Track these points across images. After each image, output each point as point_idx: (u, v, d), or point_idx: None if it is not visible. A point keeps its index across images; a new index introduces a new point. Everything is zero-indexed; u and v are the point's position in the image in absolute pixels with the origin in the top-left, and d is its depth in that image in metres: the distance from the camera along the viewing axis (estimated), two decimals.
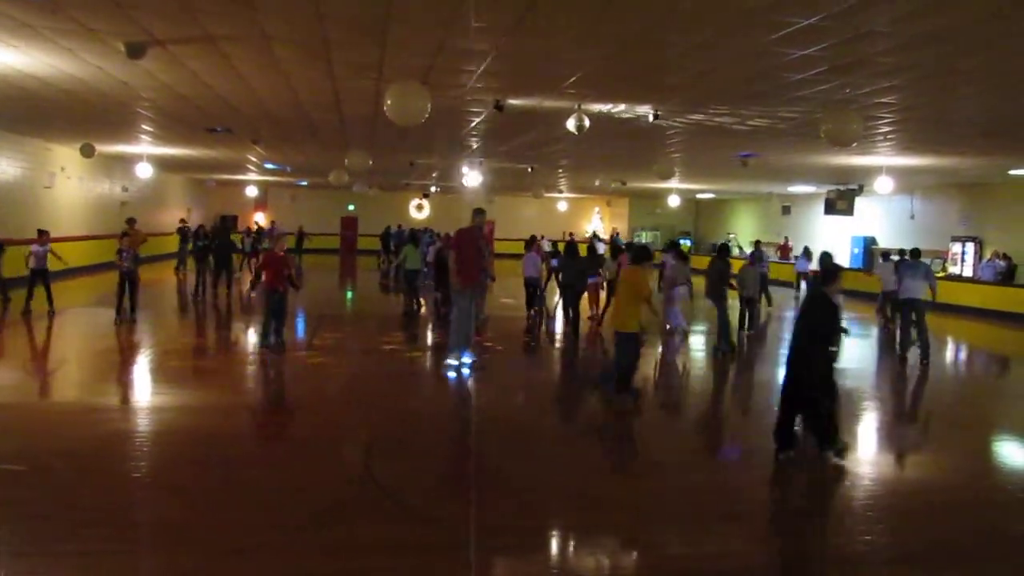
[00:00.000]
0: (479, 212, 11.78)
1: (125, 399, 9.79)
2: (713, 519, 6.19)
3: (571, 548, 5.67)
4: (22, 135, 20.09)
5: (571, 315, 15.77)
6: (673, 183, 28.54)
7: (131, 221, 19.82)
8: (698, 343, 15.40)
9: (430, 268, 20.37)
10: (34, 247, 15.81)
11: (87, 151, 19.51)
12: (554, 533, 5.94)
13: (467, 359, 11.55)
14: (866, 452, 8.70)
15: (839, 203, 25.88)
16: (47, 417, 8.74)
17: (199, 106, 13.55)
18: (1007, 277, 22.57)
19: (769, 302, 21.15)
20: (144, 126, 17.02)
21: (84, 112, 14.68)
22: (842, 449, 7.55)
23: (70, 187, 23.52)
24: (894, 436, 9.43)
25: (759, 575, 5.21)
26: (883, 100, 10.63)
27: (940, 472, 7.87)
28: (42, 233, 16.18)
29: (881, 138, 14.34)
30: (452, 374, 11.28)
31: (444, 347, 12.64)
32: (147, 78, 11.12)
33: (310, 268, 30.19)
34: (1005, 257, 23.05)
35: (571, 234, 31.45)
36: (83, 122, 16.48)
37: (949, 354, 16.77)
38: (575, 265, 16.22)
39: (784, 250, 32.43)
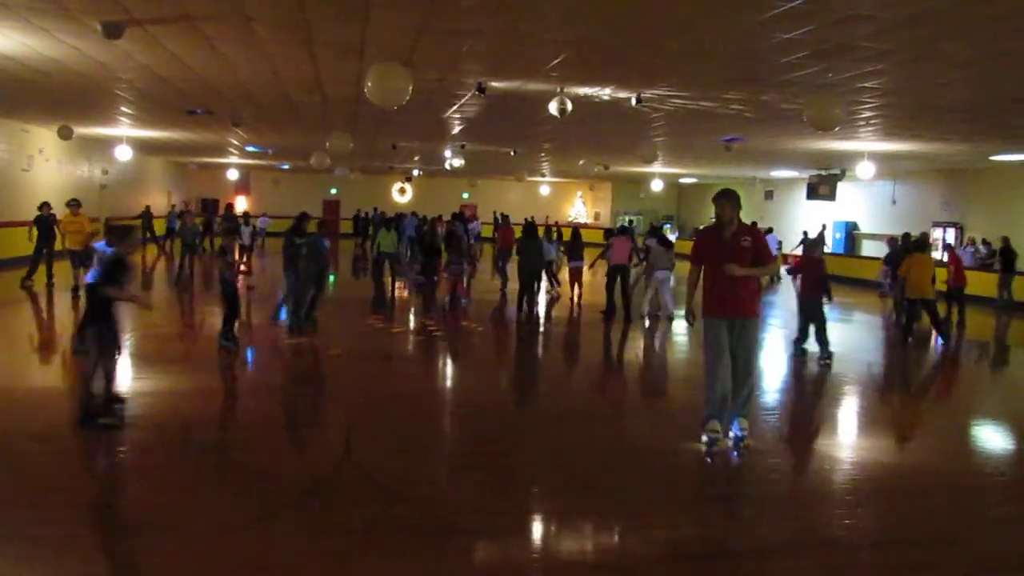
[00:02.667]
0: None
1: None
2: (695, 502, 6.20)
3: (553, 530, 5.66)
4: None
5: (527, 303, 15.85)
6: (656, 167, 28.52)
7: (74, 205, 16.15)
8: (681, 328, 15.42)
9: (406, 251, 20.45)
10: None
11: (65, 133, 19.30)
12: (537, 515, 5.93)
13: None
14: (847, 436, 8.75)
15: (821, 188, 25.95)
16: (20, 401, 8.64)
17: (179, 88, 13.39)
18: (1005, 265, 22.59)
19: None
20: (123, 108, 16.82)
21: (61, 93, 14.49)
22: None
23: (48, 170, 23.26)
24: (875, 419, 9.48)
25: (738, 558, 5.21)
26: (866, 84, 10.62)
27: (921, 455, 7.92)
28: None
29: (864, 123, 14.35)
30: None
31: (424, 331, 12.62)
32: (125, 59, 10.97)
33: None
34: (985, 243, 23.16)
35: (531, 217, 30.76)
36: (60, 104, 16.27)
37: (931, 340, 16.85)
38: (533, 247, 16.29)
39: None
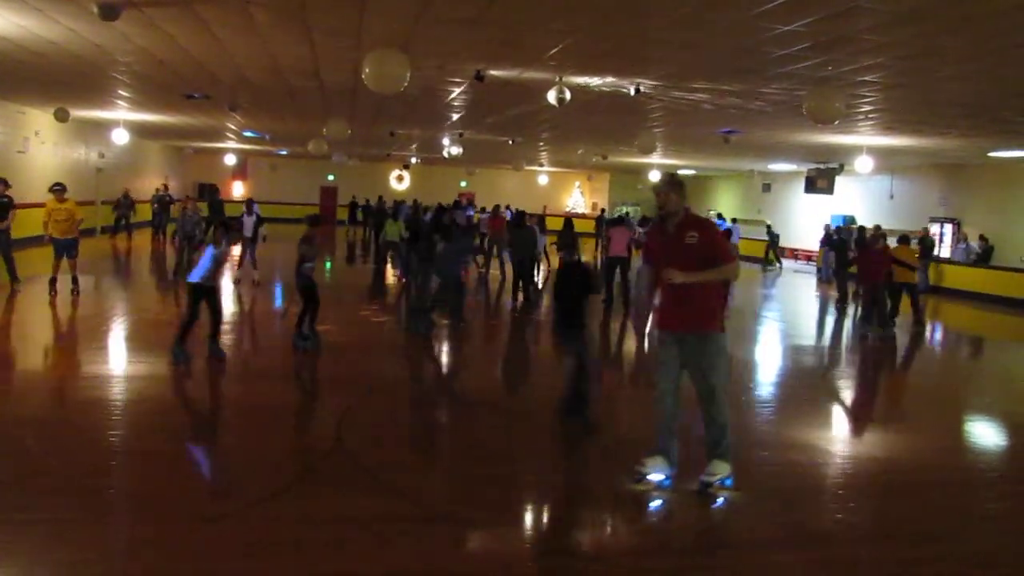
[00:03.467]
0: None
1: (94, 368, 9.66)
2: (689, 496, 6.19)
3: (546, 519, 5.66)
4: None
5: (521, 291, 15.88)
6: (654, 159, 28.47)
7: (58, 190, 14.09)
8: None
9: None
10: None
11: (61, 116, 19.21)
12: (529, 504, 5.92)
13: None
14: (839, 430, 8.75)
15: (819, 181, 25.93)
16: (11, 386, 8.61)
17: (176, 71, 13.33)
18: (982, 259, 22.70)
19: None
20: (120, 91, 16.74)
21: (58, 76, 14.42)
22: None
23: (44, 152, 23.15)
24: (868, 414, 9.49)
25: (729, 551, 5.21)
26: (866, 78, 10.60)
27: (913, 451, 7.92)
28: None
29: (863, 117, 14.33)
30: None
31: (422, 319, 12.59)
32: (122, 41, 10.91)
33: (293, 239, 29.98)
34: (982, 239, 23.16)
35: (509, 207, 30.59)
36: (57, 86, 16.18)
37: (924, 335, 16.89)
38: (524, 236, 16.38)
39: None
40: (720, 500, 5.91)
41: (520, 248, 16.27)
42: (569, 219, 17.97)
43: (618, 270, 15.63)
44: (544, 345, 12.92)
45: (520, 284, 16.07)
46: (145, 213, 29.69)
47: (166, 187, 30.57)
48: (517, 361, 11.90)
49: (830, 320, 17.43)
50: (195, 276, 9.40)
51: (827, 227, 26.80)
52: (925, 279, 21.63)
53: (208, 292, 9.49)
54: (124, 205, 27.46)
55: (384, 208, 29.57)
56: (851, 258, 17.30)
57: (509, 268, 18.01)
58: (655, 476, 5.99)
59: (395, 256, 18.99)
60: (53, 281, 13.72)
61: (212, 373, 9.46)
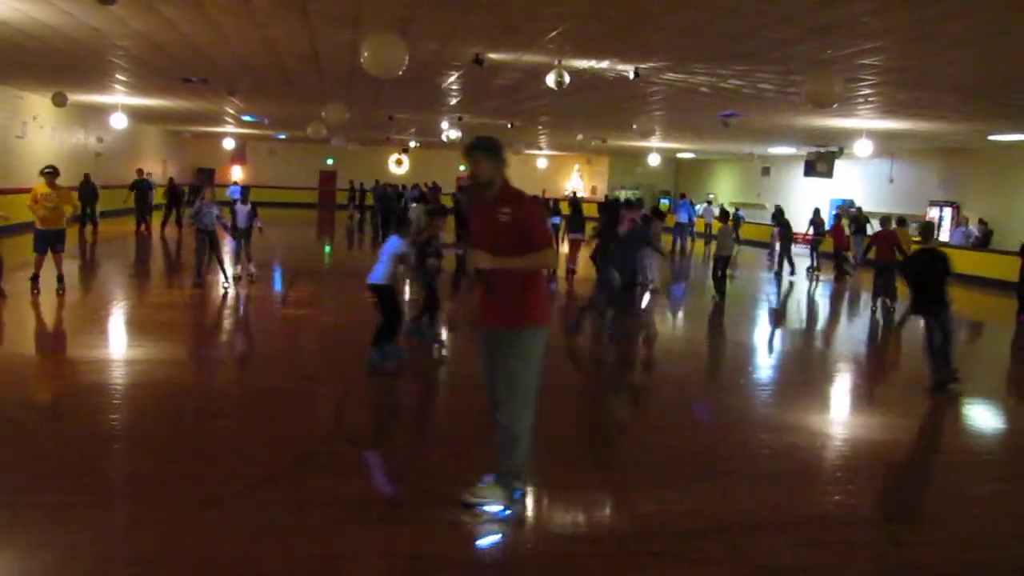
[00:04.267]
0: None
1: (94, 352, 9.68)
2: (686, 479, 6.23)
3: (544, 504, 5.68)
4: None
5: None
6: (654, 142, 28.43)
7: (49, 174, 12.14)
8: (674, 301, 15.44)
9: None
10: None
11: (59, 100, 19.15)
12: (528, 489, 5.94)
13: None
14: (839, 413, 8.78)
15: (819, 165, 25.87)
16: (11, 368, 8.63)
17: (174, 55, 13.29)
18: (982, 243, 22.68)
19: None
20: (118, 75, 16.70)
21: (56, 60, 14.37)
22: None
23: (43, 137, 23.10)
24: (865, 397, 9.52)
25: (728, 533, 5.24)
26: (865, 62, 10.57)
27: (911, 433, 7.96)
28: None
29: (862, 100, 14.30)
30: None
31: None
32: (120, 25, 10.87)
33: (291, 223, 30.00)
34: (981, 223, 23.15)
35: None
36: (55, 70, 16.14)
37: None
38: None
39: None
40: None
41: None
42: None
43: None
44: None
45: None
46: (111, 202, 26.51)
47: (147, 172, 27.47)
48: None
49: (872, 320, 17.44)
50: (375, 277, 8.74)
51: (849, 213, 26.34)
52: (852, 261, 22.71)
53: (386, 293, 8.82)
54: (86, 194, 22.74)
55: (394, 192, 29.06)
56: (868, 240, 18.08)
57: None
58: (491, 507, 5.15)
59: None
60: (35, 278, 12.12)
61: (213, 357, 9.47)
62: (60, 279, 12.23)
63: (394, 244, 8.82)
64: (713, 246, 16.94)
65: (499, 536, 5.00)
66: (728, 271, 16.50)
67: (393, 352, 8.92)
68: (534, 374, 5.12)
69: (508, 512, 5.12)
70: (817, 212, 23.25)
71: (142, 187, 25.08)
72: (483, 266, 4.89)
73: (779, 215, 22.77)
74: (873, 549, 5.20)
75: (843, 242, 21.92)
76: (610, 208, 15.59)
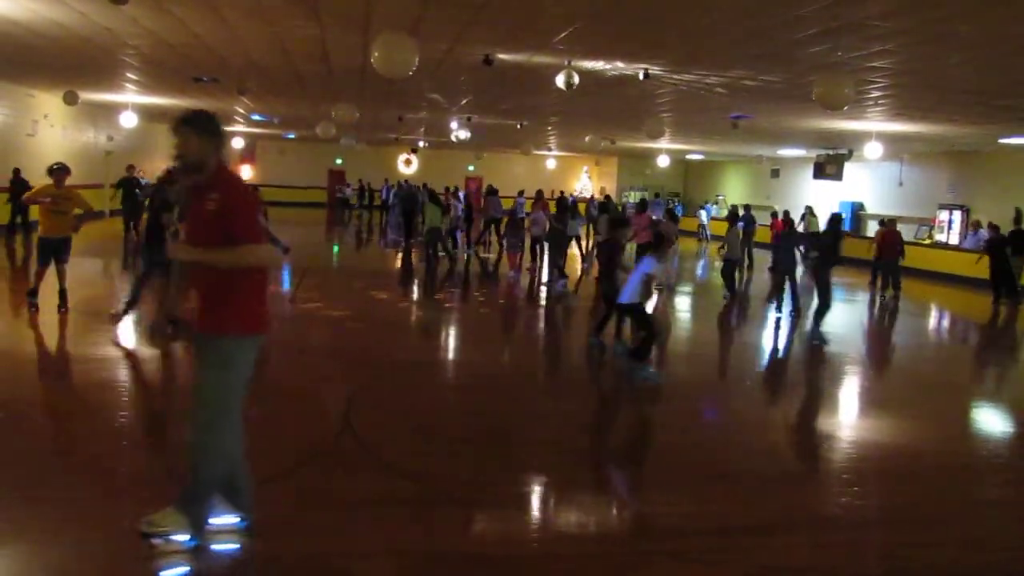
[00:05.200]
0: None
1: (102, 349, 9.72)
2: (695, 480, 6.24)
3: (551, 503, 5.70)
4: (3, 81, 19.77)
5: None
6: (663, 143, 28.39)
7: (58, 171, 10.51)
8: (682, 303, 15.44)
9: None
10: None
11: (70, 99, 19.23)
12: (535, 488, 5.96)
13: None
14: (847, 416, 8.78)
15: (828, 167, 25.84)
16: (20, 366, 8.68)
17: (185, 55, 13.34)
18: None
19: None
20: (129, 74, 16.77)
21: (67, 59, 14.44)
22: None
23: (53, 135, 23.22)
24: (873, 400, 9.52)
25: (735, 534, 5.25)
26: (875, 64, 10.56)
27: (918, 437, 7.95)
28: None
29: (872, 103, 14.28)
30: None
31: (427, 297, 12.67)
32: (132, 25, 10.92)
33: (296, 222, 30.05)
34: (992, 226, 23.02)
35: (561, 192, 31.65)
36: (66, 69, 16.22)
37: (931, 321, 16.93)
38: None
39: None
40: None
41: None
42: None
43: None
44: (569, 330, 12.94)
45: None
46: (100, 203, 24.50)
47: (137, 168, 24.40)
48: (530, 343, 11.94)
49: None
50: (625, 298, 9.12)
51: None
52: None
53: (638, 311, 9.17)
54: (16, 191, 18.92)
55: (415, 191, 28.42)
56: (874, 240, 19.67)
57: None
58: (178, 536, 4.43)
59: (439, 243, 18.85)
60: (34, 293, 10.64)
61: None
62: (63, 294, 10.72)
63: (648, 265, 9.09)
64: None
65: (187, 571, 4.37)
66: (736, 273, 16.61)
67: (642, 369, 9.08)
68: (230, 393, 4.38)
69: (196, 542, 4.43)
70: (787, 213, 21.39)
71: (128, 186, 21.63)
72: (181, 258, 4.44)
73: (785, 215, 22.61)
74: (879, 550, 5.21)
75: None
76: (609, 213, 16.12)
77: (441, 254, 18.99)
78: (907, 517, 5.77)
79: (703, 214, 35.15)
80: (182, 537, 4.41)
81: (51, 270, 10.60)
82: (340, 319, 12.38)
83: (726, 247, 16.04)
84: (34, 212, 11.98)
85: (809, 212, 27.15)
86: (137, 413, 7.24)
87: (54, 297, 10.67)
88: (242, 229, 4.23)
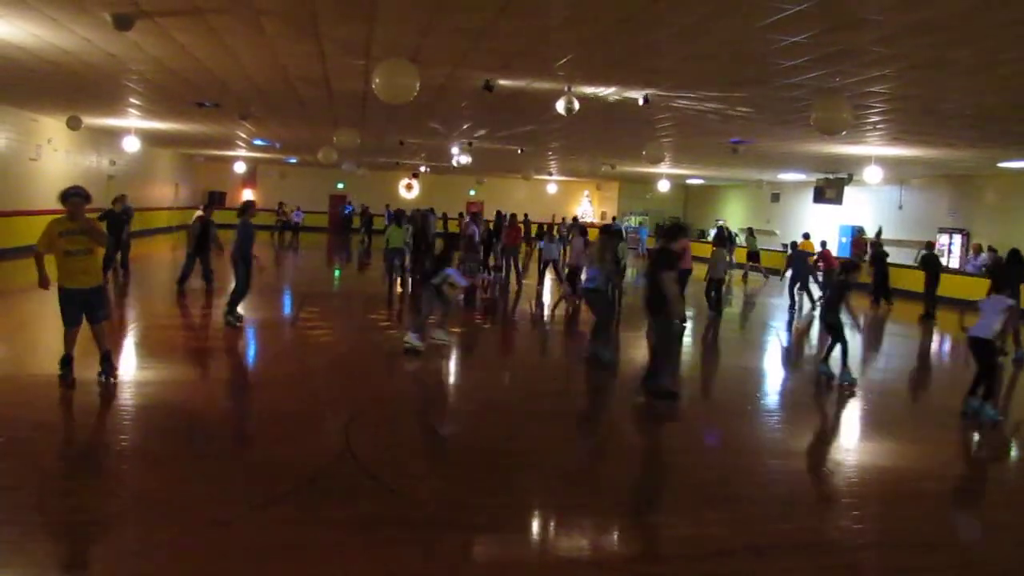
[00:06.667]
0: None
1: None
2: (693, 503, 6.23)
3: (551, 527, 5.69)
4: (7, 106, 19.88)
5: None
6: (663, 168, 28.51)
7: (74, 197, 8.93)
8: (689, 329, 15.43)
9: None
10: None
11: (74, 124, 19.35)
12: (533, 511, 5.95)
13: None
14: (849, 439, 8.76)
15: (828, 191, 25.91)
16: (24, 389, 8.66)
17: (188, 80, 13.43)
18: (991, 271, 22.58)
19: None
20: (132, 99, 16.87)
21: (71, 84, 14.54)
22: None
23: (57, 160, 23.32)
24: (874, 423, 9.50)
25: (734, 558, 5.24)
26: (873, 89, 10.62)
27: (918, 461, 7.93)
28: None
29: (871, 127, 14.35)
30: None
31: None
32: (135, 51, 11.02)
33: (303, 246, 30.14)
34: (991, 250, 23.07)
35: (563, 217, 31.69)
36: (70, 94, 16.32)
37: (933, 345, 16.91)
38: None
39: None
40: None
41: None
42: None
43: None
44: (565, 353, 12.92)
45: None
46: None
47: (127, 197, 19.33)
48: (528, 368, 11.93)
49: None
50: (978, 331, 9.06)
51: (870, 241, 26.40)
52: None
53: (988, 348, 9.14)
54: (114, 225, 17.01)
55: (427, 214, 26.84)
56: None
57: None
58: None
59: (398, 265, 18.62)
60: (68, 361, 8.23)
61: (223, 379, 9.47)
62: (106, 359, 8.38)
63: (999, 302, 9.00)
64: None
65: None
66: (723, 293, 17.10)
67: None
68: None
69: None
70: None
71: (111, 219, 17.13)
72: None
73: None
74: (880, 574, 5.19)
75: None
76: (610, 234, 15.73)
77: (397, 276, 18.74)
78: (909, 541, 5.75)
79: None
80: None
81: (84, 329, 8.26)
82: (339, 343, 12.39)
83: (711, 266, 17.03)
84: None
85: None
86: (138, 435, 7.21)
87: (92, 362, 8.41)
88: None
